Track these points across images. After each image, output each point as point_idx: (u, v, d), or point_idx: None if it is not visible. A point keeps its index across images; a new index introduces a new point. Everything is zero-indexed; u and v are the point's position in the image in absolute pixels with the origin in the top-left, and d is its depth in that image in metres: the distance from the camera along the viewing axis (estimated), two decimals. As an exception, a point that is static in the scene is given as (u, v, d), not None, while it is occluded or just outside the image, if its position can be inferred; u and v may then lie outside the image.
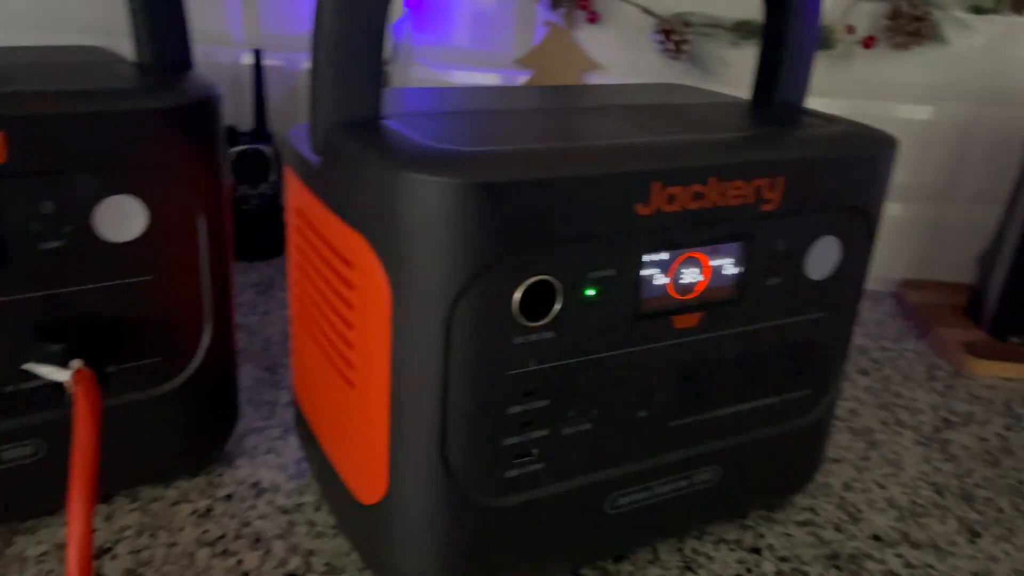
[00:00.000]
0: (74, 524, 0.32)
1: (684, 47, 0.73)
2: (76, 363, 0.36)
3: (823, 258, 0.40)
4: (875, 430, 0.56)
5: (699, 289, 0.37)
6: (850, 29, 0.72)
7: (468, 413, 0.33)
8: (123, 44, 0.44)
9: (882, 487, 0.50)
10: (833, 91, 0.75)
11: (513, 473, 0.35)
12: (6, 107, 0.34)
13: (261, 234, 0.77)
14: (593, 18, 0.75)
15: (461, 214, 0.30)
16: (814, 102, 0.73)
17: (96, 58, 0.45)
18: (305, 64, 0.82)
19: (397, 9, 0.79)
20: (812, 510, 0.47)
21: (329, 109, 0.34)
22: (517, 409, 0.34)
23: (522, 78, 0.79)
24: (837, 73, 0.74)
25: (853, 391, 0.62)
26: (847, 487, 0.50)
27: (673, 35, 0.72)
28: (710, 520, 0.44)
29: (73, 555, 0.32)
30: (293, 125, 0.41)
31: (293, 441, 0.50)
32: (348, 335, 0.35)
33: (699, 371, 0.38)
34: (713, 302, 0.37)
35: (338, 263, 0.35)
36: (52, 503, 0.42)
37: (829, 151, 0.38)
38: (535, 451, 0.36)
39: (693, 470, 0.41)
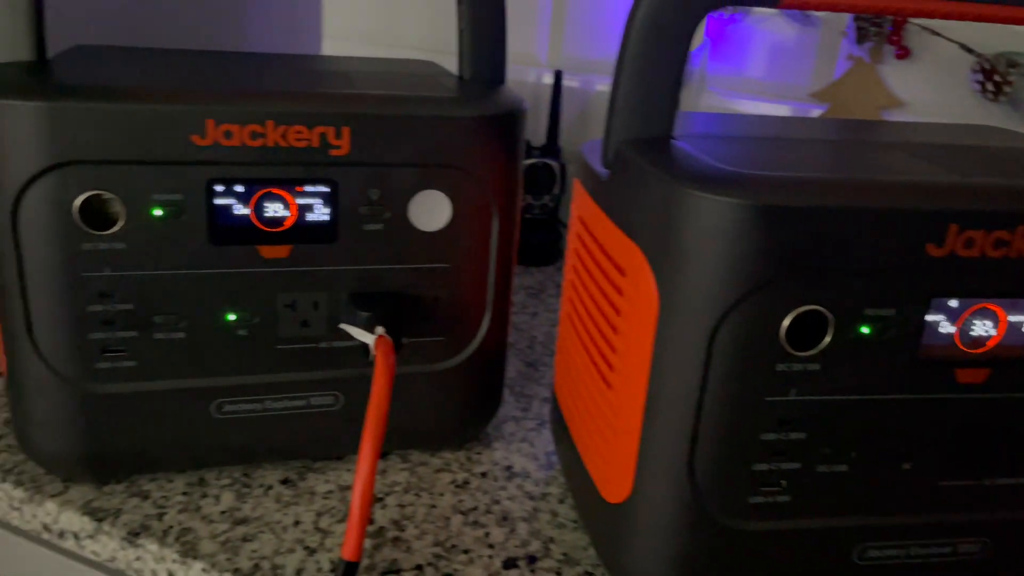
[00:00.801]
0: (362, 467, 0.37)
1: (1006, 89, 0.67)
2: (380, 330, 0.42)
3: None
4: None
5: (991, 344, 0.34)
6: None
7: (719, 431, 0.34)
8: (447, 60, 0.50)
9: None
10: None
11: (759, 500, 0.35)
12: (354, 107, 0.41)
13: (538, 242, 0.82)
14: (903, 54, 0.71)
15: (738, 234, 0.31)
16: None
17: (425, 70, 0.51)
18: (600, 86, 0.86)
19: (697, 38, 0.80)
20: (1103, 616, 0.41)
21: (623, 125, 0.36)
22: (771, 437, 0.34)
23: (815, 111, 0.77)
24: None
25: None
26: None
27: (995, 75, 0.67)
28: (972, 598, 0.41)
29: (357, 493, 0.37)
30: (582, 143, 0.44)
31: (546, 435, 0.53)
32: (613, 339, 0.37)
33: (980, 432, 0.36)
34: (1006, 360, 0.35)
35: (612, 271, 0.37)
36: (341, 450, 0.48)
37: None
38: (784, 482, 0.35)
39: (958, 538, 0.37)
